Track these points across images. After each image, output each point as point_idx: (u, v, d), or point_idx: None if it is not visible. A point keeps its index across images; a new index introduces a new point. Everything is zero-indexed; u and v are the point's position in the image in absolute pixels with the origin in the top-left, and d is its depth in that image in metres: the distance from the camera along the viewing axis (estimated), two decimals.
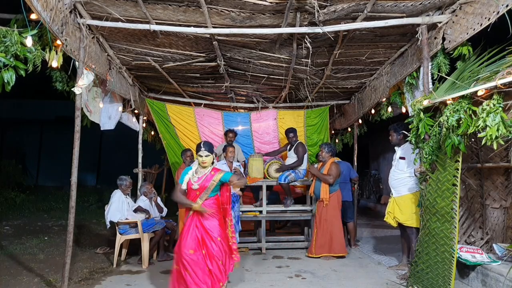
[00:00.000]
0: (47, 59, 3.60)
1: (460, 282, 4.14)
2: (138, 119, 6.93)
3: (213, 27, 4.31)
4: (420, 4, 3.85)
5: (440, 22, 4.04)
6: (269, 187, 6.61)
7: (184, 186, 3.71)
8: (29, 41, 3.25)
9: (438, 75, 4.10)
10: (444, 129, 3.45)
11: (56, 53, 3.67)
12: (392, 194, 4.78)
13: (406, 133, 4.40)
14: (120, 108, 6.10)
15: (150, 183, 6.05)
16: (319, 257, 5.49)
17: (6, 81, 3.13)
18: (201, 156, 3.65)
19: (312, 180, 5.92)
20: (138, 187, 6.34)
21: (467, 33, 3.66)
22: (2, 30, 3.14)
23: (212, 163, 3.75)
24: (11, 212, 9.18)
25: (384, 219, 4.84)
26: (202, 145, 3.67)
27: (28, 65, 3.36)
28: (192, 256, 3.46)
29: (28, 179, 13.68)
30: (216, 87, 6.89)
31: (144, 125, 7.20)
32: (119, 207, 5.28)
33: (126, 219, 5.31)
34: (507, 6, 3.14)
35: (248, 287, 4.27)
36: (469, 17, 3.65)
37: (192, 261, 3.45)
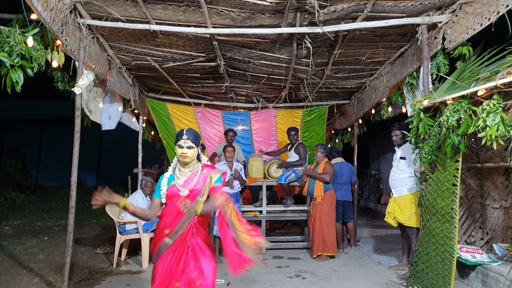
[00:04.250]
0: (49, 59, 3.60)
1: (460, 282, 4.14)
2: (138, 119, 6.93)
3: (213, 27, 4.31)
4: (420, 4, 3.85)
5: (440, 22, 4.04)
6: (269, 187, 6.61)
7: (163, 200, 2.63)
8: (30, 41, 3.26)
9: (438, 75, 4.10)
10: (444, 129, 3.45)
11: (58, 53, 3.67)
12: (392, 194, 4.78)
13: (406, 133, 4.41)
14: (120, 108, 6.10)
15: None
16: (316, 257, 5.49)
17: (14, 81, 3.13)
18: (181, 147, 2.57)
19: (305, 181, 5.93)
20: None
21: (467, 33, 3.66)
22: (5, 30, 3.14)
23: (199, 160, 2.73)
24: (11, 212, 9.19)
25: (385, 219, 4.85)
26: (184, 132, 2.60)
27: (33, 65, 3.37)
28: None
29: (28, 179, 13.68)
30: (216, 87, 6.89)
31: (144, 125, 7.20)
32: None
33: (121, 218, 5.32)
34: (507, 6, 3.14)
35: (248, 287, 4.27)
36: (469, 17, 3.65)
37: None
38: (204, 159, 2.78)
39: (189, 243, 2.51)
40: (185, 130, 2.65)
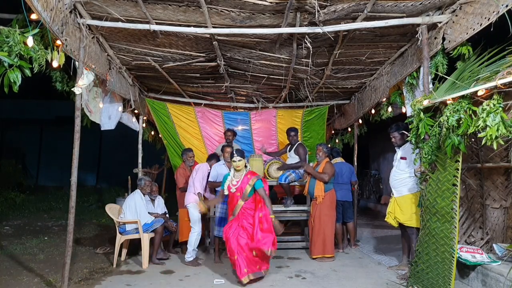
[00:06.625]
0: (49, 59, 3.60)
1: (460, 282, 4.14)
2: (138, 119, 6.93)
3: (213, 27, 4.31)
4: (420, 4, 3.85)
5: (440, 22, 4.04)
6: (269, 187, 6.60)
7: (226, 192, 4.52)
8: (30, 41, 3.25)
9: (438, 75, 4.10)
10: (444, 129, 3.45)
11: (58, 53, 3.67)
12: (393, 194, 4.78)
13: (406, 133, 4.40)
14: (120, 108, 6.10)
15: (155, 184, 6.01)
16: (315, 258, 5.47)
17: (12, 81, 3.13)
18: (235, 162, 4.45)
19: (306, 181, 5.92)
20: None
21: (467, 33, 3.66)
22: (5, 30, 3.14)
23: (246, 166, 4.55)
24: (11, 212, 9.19)
25: (385, 219, 4.84)
26: (234, 153, 4.49)
27: (33, 65, 3.37)
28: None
29: (28, 179, 13.69)
30: (216, 87, 6.89)
31: (144, 125, 7.20)
32: (132, 211, 5.31)
33: (121, 218, 5.32)
34: (506, 6, 3.14)
35: (248, 287, 4.27)
36: (469, 17, 3.65)
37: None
38: (249, 166, 4.65)
39: (241, 217, 4.45)
40: (234, 150, 4.53)
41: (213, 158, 5.94)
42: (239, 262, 4.24)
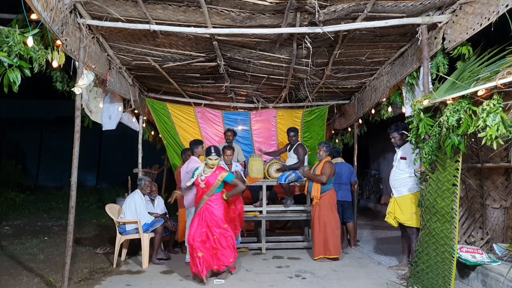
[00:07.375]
0: (49, 59, 3.60)
1: (460, 282, 4.14)
2: (138, 119, 6.93)
3: (213, 27, 4.31)
4: (420, 4, 3.85)
5: (440, 22, 4.04)
6: (269, 187, 6.60)
7: (192, 183, 4.54)
8: (30, 41, 3.25)
9: (438, 75, 4.10)
10: (444, 129, 3.45)
11: (58, 53, 3.67)
12: (393, 194, 4.78)
13: (406, 133, 4.40)
14: (121, 108, 6.10)
15: (154, 184, 6.00)
16: (317, 259, 5.46)
17: (12, 81, 3.13)
18: (211, 159, 4.42)
19: (306, 180, 5.91)
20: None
21: (467, 33, 3.66)
22: (4, 30, 3.14)
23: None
24: (11, 212, 9.20)
25: (385, 219, 4.84)
26: (212, 150, 4.44)
27: (33, 65, 3.37)
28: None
29: (28, 179, 13.69)
30: (216, 87, 6.89)
31: (144, 125, 7.20)
32: (132, 211, 5.31)
33: (121, 218, 5.32)
34: (507, 6, 3.14)
35: (248, 287, 4.28)
36: (469, 17, 3.65)
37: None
38: (221, 163, 4.87)
39: (205, 211, 4.43)
40: (212, 148, 4.48)
41: (195, 144, 5.49)
42: (201, 261, 4.31)
